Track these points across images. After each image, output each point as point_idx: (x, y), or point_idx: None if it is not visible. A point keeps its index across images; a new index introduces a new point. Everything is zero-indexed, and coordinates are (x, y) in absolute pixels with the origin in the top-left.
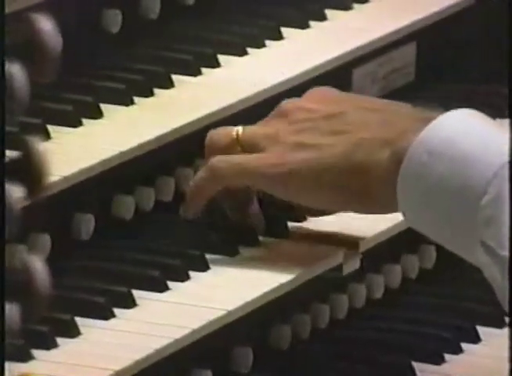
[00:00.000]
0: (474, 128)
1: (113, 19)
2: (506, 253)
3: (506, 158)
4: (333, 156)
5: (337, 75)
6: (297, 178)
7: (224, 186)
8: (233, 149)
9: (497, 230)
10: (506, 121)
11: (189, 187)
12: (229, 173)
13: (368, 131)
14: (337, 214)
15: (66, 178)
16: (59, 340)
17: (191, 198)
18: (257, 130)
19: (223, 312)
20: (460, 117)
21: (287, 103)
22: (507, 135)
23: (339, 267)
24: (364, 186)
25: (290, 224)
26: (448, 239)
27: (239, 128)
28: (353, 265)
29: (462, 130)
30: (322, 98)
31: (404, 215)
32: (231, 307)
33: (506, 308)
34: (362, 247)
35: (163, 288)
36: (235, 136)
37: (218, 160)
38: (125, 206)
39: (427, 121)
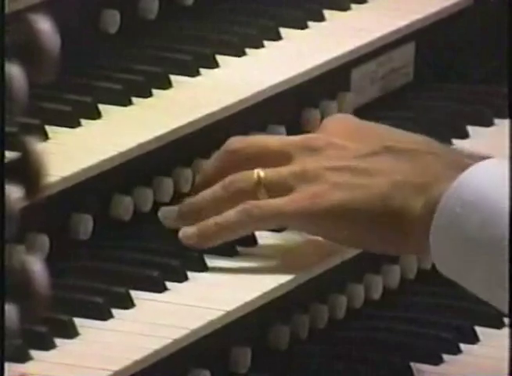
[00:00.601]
0: (503, 179)
1: (112, 20)
2: None
3: None
4: (368, 198)
5: (336, 75)
6: (332, 219)
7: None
8: (258, 192)
9: None
10: (506, 122)
11: (213, 224)
12: (265, 219)
13: (401, 175)
14: None
15: (64, 179)
16: (57, 340)
17: (211, 235)
18: (281, 170)
19: (222, 313)
20: (492, 167)
21: (314, 138)
22: None
23: (339, 267)
24: (398, 230)
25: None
26: (484, 291)
27: (260, 171)
28: None
29: (495, 181)
30: (348, 134)
31: (436, 262)
32: (229, 307)
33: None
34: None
35: (161, 289)
36: (257, 179)
37: (252, 207)
38: (124, 206)
39: (459, 167)
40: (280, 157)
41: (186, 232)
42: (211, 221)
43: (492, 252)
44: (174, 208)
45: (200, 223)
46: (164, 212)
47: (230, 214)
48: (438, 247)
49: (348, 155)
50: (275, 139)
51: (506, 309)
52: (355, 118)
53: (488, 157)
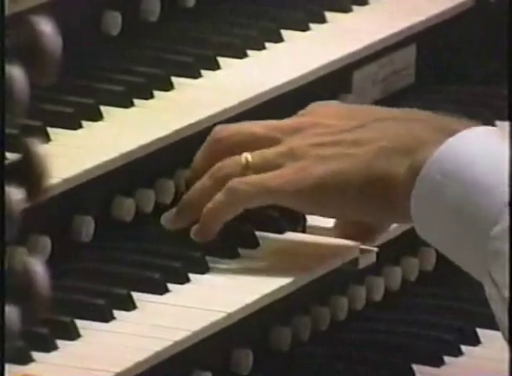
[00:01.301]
0: (490, 151)
1: (114, 22)
2: (507, 294)
3: None
4: (355, 166)
5: (337, 77)
6: (322, 191)
7: (244, 208)
8: (246, 175)
9: (503, 267)
10: (506, 124)
11: (205, 211)
12: (252, 194)
13: (389, 141)
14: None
15: (66, 181)
16: (59, 342)
17: (207, 222)
18: (268, 152)
19: (223, 315)
20: (478, 136)
21: (300, 120)
22: None
23: (340, 269)
24: (386, 195)
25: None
26: (459, 259)
27: (247, 155)
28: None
29: (477, 152)
30: (335, 113)
31: (416, 227)
32: (231, 309)
33: (507, 339)
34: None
35: (163, 290)
36: (245, 163)
37: (238, 183)
38: (125, 208)
39: (446, 131)
40: (267, 142)
41: (193, 229)
42: (205, 210)
43: (469, 223)
44: (173, 210)
45: (204, 209)
46: (165, 216)
47: (218, 196)
48: (418, 212)
49: (335, 131)
50: (260, 125)
51: (480, 277)
52: (341, 103)
53: (479, 125)
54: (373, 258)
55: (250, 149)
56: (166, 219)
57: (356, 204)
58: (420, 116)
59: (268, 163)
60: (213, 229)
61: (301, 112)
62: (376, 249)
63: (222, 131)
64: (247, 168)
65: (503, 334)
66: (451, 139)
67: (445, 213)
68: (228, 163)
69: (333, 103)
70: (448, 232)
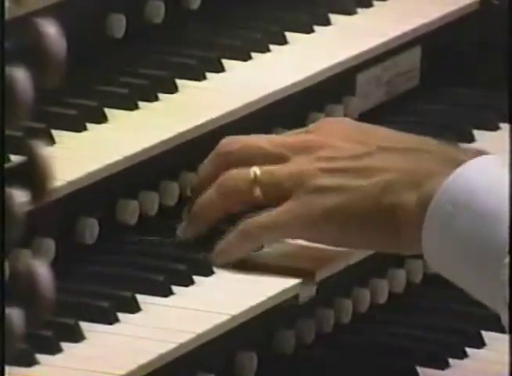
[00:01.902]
0: (498, 179)
1: (118, 24)
2: None
3: None
4: (362, 199)
5: (342, 80)
6: (328, 224)
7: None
8: (252, 192)
9: None
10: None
11: (218, 249)
12: (263, 235)
13: (395, 173)
14: None
15: (70, 183)
16: (63, 344)
17: (223, 258)
18: (277, 170)
19: (227, 317)
20: (485, 165)
21: (309, 139)
22: None
23: (342, 271)
24: (393, 228)
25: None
26: (472, 289)
27: (256, 169)
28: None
29: (487, 180)
30: (344, 135)
31: (427, 258)
32: (235, 312)
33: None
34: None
35: (167, 293)
36: (253, 178)
37: (251, 227)
38: (129, 210)
39: (454, 163)
40: (275, 158)
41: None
42: (218, 248)
43: (481, 253)
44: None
45: (213, 254)
46: (179, 228)
47: (231, 238)
48: (430, 244)
49: (342, 155)
50: (269, 140)
51: (496, 306)
52: (351, 120)
53: (483, 153)
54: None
55: (257, 163)
56: (180, 230)
57: (362, 236)
58: (427, 146)
59: (277, 184)
60: (226, 263)
61: (310, 126)
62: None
63: (230, 144)
64: (255, 184)
65: None
66: (459, 170)
67: (456, 243)
68: (236, 176)
69: (342, 120)
70: (460, 262)
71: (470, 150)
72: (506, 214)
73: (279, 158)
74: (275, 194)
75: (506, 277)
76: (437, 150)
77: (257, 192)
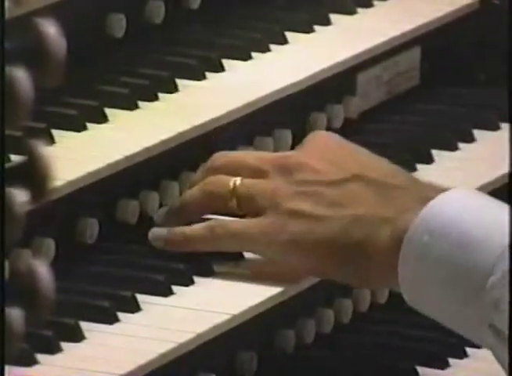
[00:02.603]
0: (474, 207)
1: (118, 24)
2: (507, 333)
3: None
4: (330, 230)
5: (342, 79)
6: (294, 249)
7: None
8: (228, 200)
9: (504, 312)
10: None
11: (183, 233)
12: (228, 241)
13: (367, 207)
14: None
15: (70, 183)
16: (63, 344)
17: (182, 245)
18: (255, 185)
19: (228, 317)
20: (458, 196)
21: (292, 158)
22: (506, 209)
23: None
24: (363, 263)
25: None
26: (453, 320)
27: (237, 180)
28: None
29: (462, 210)
30: (325, 155)
31: (404, 293)
32: (235, 311)
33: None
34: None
35: (167, 292)
36: (231, 187)
37: (218, 225)
38: (130, 210)
39: (425, 200)
40: (257, 173)
41: (156, 232)
42: (180, 230)
43: (460, 279)
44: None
45: (171, 229)
46: (156, 215)
47: (198, 228)
48: (407, 278)
49: (319, 180)
50: (253, 155)
51: (476, 335)
52: (338, 138)
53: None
54: None
55: (241, 175)
56: (157, 217)
57: (325, 267)
58: (401, 182)
59: (251, 199)
60: (176, 250)
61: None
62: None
63: (220, 158)
64: (232, 194)
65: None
66: (433, 201)
67: (434, 272)
68: (218, 182)
69: (330, 137)
70: (441, 293)
71: (440, 187)
72: (486, 238)
73: (260, 173)
74: (249, 208)
75: (491, 299)
76: (410, 187)
77: (233, 202)
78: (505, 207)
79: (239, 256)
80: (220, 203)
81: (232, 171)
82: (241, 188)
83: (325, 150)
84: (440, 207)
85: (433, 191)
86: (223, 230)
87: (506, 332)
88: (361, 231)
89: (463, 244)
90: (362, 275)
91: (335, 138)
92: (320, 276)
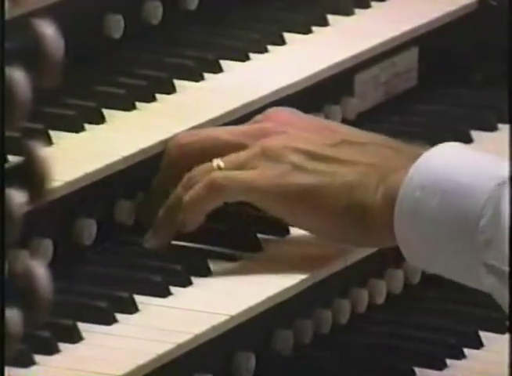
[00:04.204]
0: (461, 158)
1: (116, 25)
2: (507, 268)
3: (497, 181)
4: (336, 187)
5: (340, 80)
6: (302, 203)
7: (223, 202)
8: None
9: (499, 249)
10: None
11: (186, 202)
12: (232, 190)
13: (362, 167)
14: None
15: (68, 184)
16: (61, 345)
17: (188, 215)
18: (238, 155)
19: (225, 317)
20: (445, 150)
21: (268, 126)
22: (492, 158)
23: (343, 272)
24: (360, 222)
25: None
26: (450, 268)
27: (219, 161)
28: None
29: (450, 162)
30: (305, 126)
31: (403, 251)
32: (233, 312)
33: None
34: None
35: (165, 293)
36: (216, 168)
37: (218, 177)
38: (127, 211)
39: (416, 158)
40: (234, 148)
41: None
42: (184, 200)
43: (455, 226)
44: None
45: (167, 204)
46: (146, 239)
47: (198, 188)
48: (403, 233)
49: (308, 141)
50: (225, 130)
51: (476, 280)
52: (300, 112)
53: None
54: None
55: (217, 156)
56: (147, 241)
57: (332, 224)
58: (390, 143)
59: (242, 166)
60: (195, 220)
61: (258, 117)
62: None
63: (185, 137)
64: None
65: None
66: (422, 158)
67: (430, 226)
68: (200, 171)
69: (293, 111)
70: (436, 243)
71: (429, 147)
72: (474, 184)
73: (237, 147)
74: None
75: (483, 240)
76: (400, 148)
77: None
78: (489, 155)
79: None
80: None
81: (203, 149)
82: (227, 164)
83: (300, 120)
84: (429, 162)
85: (422, 150)
86: (227, 181)
87: (504, 267)
88: (362, 189)
89: (452, 193)
90: (361, 235)
91: (297, 111)
92: (325, 235)
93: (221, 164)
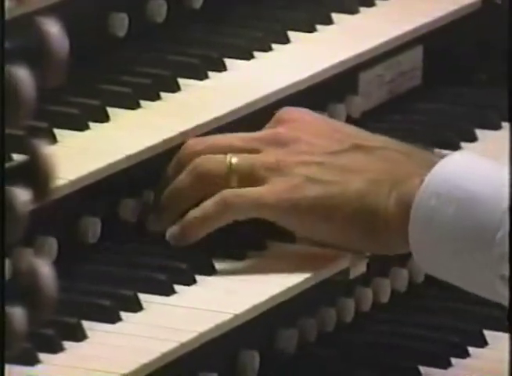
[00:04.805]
0: (477, 168)
1: (120, 23)
2: None
3: None
4: (345, 195)
5: (344, 79)
6: (311, 214)
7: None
8: (229, 178)
9: None
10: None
11: (192, 218)
12: (245, 208)
13: (374, 172)
14: None
15: (72, 182)
16: (65, 343)
17: (192, 229)
18: (253, 159)
19: (230, 316)
20: (462, 159)
21: (281, 132)
22: (507, 172)
23: (346, 271)
24: (371, 228)
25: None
26: (464, 279)
27: (232, 157)
28: (360, 268)
29: (466, 171)
30: (316, 130)
31: (416, 258)
32: (237, 311)
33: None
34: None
35: (169, 292)
36: (229, 164)
37: (232, 196)
38: (132, 209)
39: (429, 164)
40: (247, 152)
41: (171, 232)
42: (191, 215)
43: (470, 236)
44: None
45: (182, 220)
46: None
47: (208, 205)
48: (417, 241)
49: (318, 151)
50: (237, 137)
51: (490, 290)
52: (312, 113)
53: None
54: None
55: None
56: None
57: (344, 232)
58: (402, 148)
59: (254, 171)
60: (196, 236)
61: (274, 118)
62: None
63: (197, 144)
64: (231, 171)
65: None
66: (437, 166)
67: (445, 234)
68: (211, 160)
69: (308, 113)
70: (451, 252)
71: (442, 153)
72: (492, 195)
73: (251, 152)
74: (253, 183)
75: (499, 253)
76: (412, 153)
77: (234, 180)
78: (506, 167)
79: (242, 255)
80: (218, 183)
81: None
82: (240, 163)
83: (312, 124)
84: (445, 170)
85: (436, 156)
86: (239, 199)
87: None
88: (372, 195)
89: (469, 203)
90: (375, 239)
91: (310, 112)
92: (332, 242)
93: (234, 160)
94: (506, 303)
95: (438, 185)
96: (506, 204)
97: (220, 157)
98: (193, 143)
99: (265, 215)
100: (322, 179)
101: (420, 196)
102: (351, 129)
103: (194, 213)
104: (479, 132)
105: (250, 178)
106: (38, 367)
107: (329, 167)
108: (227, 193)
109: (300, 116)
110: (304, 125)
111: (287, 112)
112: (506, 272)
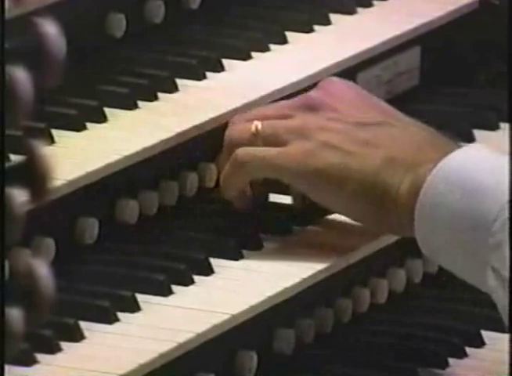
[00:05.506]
0: (486, 160)
1: (118, 24)
2: (507, 274)
3: None
4: (361, 167)
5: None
6: (322, 178)
7: (252, 178)
8: (255, 144)
9: (503, 252)
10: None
11: (221, 182)
12: (255, 167)
13: (397, 151)
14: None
15: (70, 182)
16: (63, 344)
17: (225, 192)
18: (278, 123)
19: (227, 317)
20: (477, 150)
21: (314, 98)
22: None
23: (344, 271)
24: (382, 205)
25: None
26: (461, 267)
27: (258, 123)
28: None
29: (478, 162)
30: (350, 101)
31: (419, 243)
32: (235, 311)
33: (508, 324)
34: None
35: (167, 292)
36: (254, 131)
37: (242, 154)
38: (129, 210)
39: (447, 152)
40: (280, 117)
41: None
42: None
43: (468, 227)
44: None
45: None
46: None
47: (226, 166)
48: (422, 225)
49: (345, 120)
50: (272, 106)
51: (484, 282)
52: (357, 87)
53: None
54: None
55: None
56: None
57: (351, 203)
58: (428, 134)
59: (277, 136)
60: (229, 198)
61: (317, 86)
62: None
63: (237, 119)
64: (256, 136)
65: (505, 320)
66: (453, 154)
67: (447, 220)
68: (237, 129)
69: (349, 85)
70: (451, 239)
71: (460, 144)
72: (495, 187)
73: (282, 118)
74: (275, 145)
75: (494, 242)
76: (433, 138)
77: (258, 144)
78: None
79: (239, 255)
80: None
81: None
82: (264, 128)
83: (347, 95)
84: (457, 159)
85: (455, 146)
86: (250, 158)
87: (505, 272)
88: (388, 173)
89: (473, 192)
90: (380, 218)
91: (353, 85)
92: (342, 212)
93: (259, 127)
94: (492, 295)
95: (447, 172)
96: (507, 196)
97: (247, 124)
98: (236, 119)
99: (276, 175)
100: (341, 147)
101: (430, 180)
102: (389, 108)
103: (221, 176)
104: (477, 133)
105: (273, 142)
106: (36, 368)
107: (352, 137)
108: (240, 151)
109: (339, 85)
110: (340, 94)
111: (329, 80)
112: (497, 265)
